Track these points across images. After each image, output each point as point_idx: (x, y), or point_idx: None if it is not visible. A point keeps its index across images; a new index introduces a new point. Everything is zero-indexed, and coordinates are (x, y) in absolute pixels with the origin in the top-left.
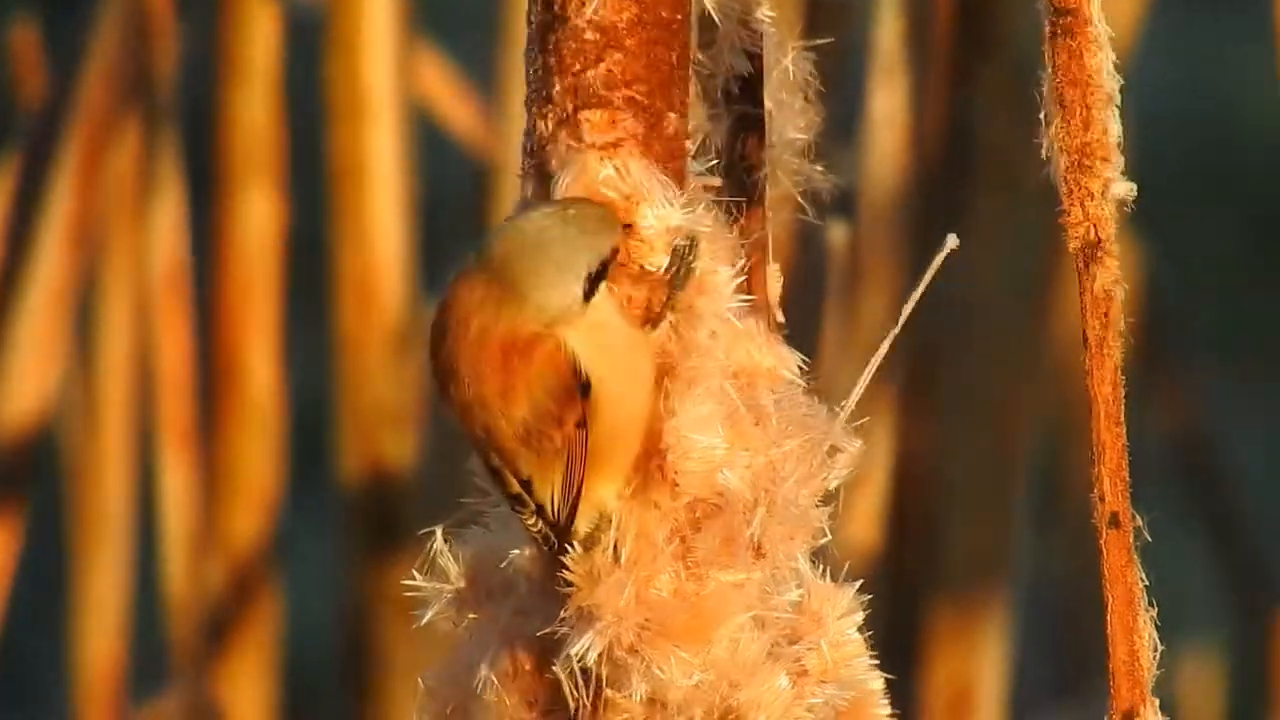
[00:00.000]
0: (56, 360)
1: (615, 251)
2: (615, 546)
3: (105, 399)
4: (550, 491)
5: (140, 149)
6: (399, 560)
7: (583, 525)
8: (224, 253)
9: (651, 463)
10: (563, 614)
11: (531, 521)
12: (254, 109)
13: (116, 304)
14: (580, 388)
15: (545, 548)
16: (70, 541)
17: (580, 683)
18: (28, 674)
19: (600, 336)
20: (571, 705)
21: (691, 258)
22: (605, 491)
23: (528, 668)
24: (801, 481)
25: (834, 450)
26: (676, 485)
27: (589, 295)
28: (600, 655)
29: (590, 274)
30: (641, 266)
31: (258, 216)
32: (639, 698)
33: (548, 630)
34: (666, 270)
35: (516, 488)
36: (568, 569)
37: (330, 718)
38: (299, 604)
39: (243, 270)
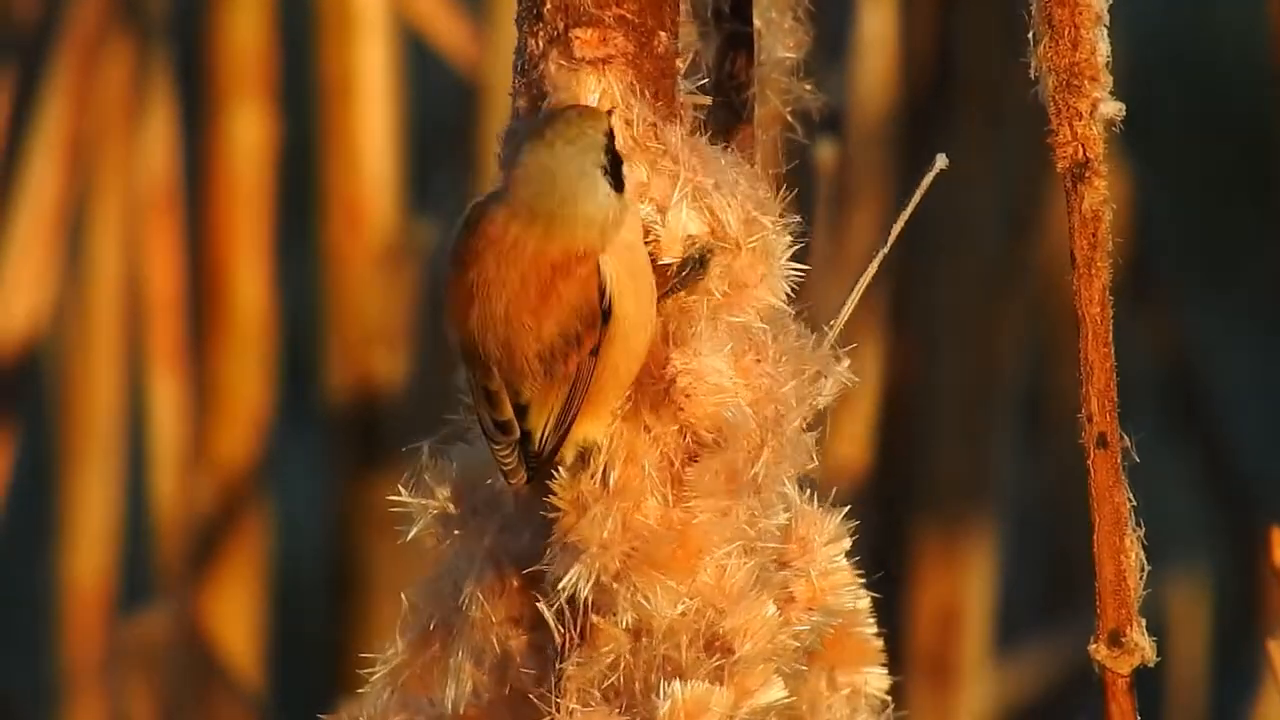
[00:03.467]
0: (48, 278)
1: (610, 135)
2: (604, 471)
3: (95, 316)
4: (545, 418)
5: (131, 67)
6: (387, 477)
7: (569, 453)
8: (214, 171)
9: (648, 388)
10: (549, 539)
11: (506, 453)
12: (244, 27)
13: (107, 222)
14: (603, 313)
15: (514, 477)
16: (60, 458)
17: (566, 612)
18: (16, 589)
19: (629, 259)
20: (557, 638)
21: (700, 271)
22: (595, 424)
23: (514, 584)
24: (794, 411)
25: (821, 374)
26: (681, 410)
27: (618, 187)
28: (586, 583)
29: (604, 166)
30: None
31: (248, 135)
32: (625, 625)
33: (536, 549)
34: (676, 271)
35: (508, 413)
36: (554, 494)
37: (318, 634)
38: (287, 521)
39: (232, 188)
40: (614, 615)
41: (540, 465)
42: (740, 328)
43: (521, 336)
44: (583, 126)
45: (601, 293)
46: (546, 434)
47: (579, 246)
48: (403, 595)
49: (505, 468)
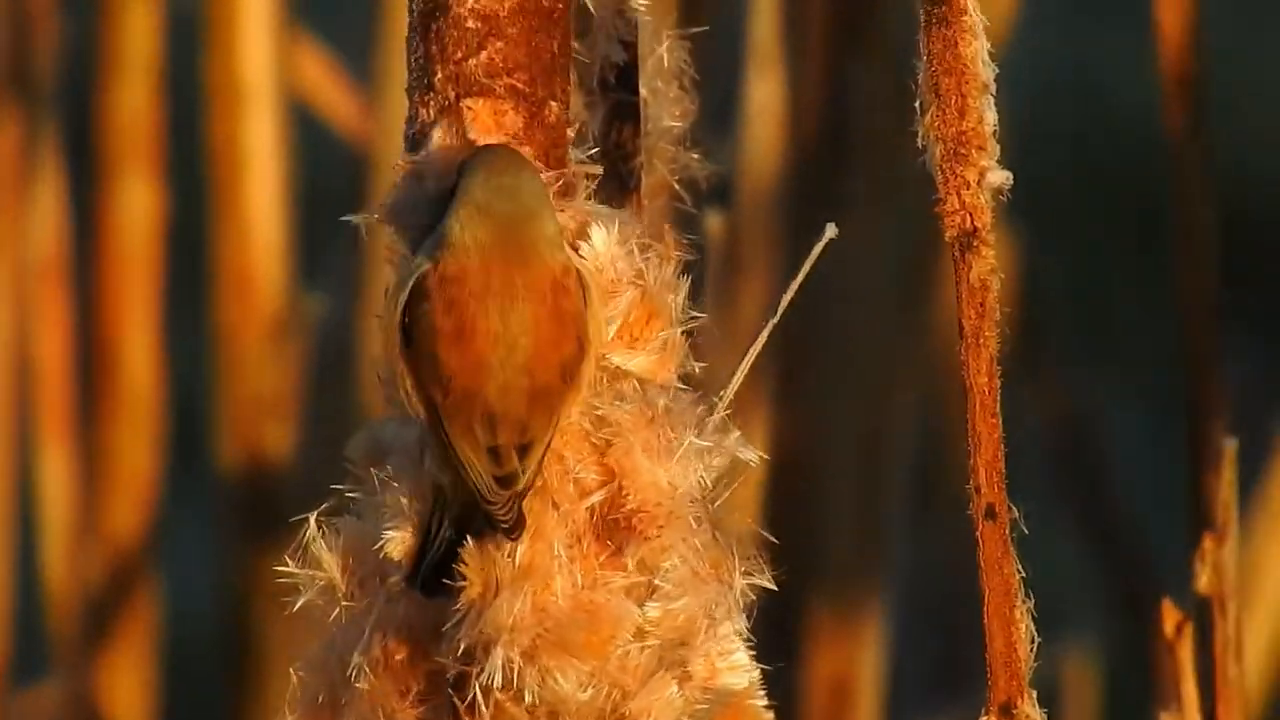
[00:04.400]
0: None
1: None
2: (512, 546)
3: None
4: (541, 449)
5: (20, 137)
6: (278, 550)
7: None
8: (104, 241)
9: (554, 465)
10: (455, 607)
11: (505, 509)
12: (133, 98)
13: None
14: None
15: (516, 531)
16: None
17: (472, 691)
18: None
19: (577, 259)
20: (460, 713)
21: None
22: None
23: (400, 657)
24: (690, 483)
25: (717, 432)
26: (581, 486)
27: None
28: (495, 667)
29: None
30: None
31: (137, 205)
32: (531, 704)
33: (426, 620)
34: None
35: (514, 463)
36: (463, 562)
37: (210, 707)
38: (178, 594)
39: (122, 259)
40: (519, 695)
41: (522, 499)
42: (646, 405)
43: (544, 377)
44: (511, 157)
45: (584, 297)
46: (534, 467)
47: (560, 261)
48: (291, 670)
49: (505, 523)
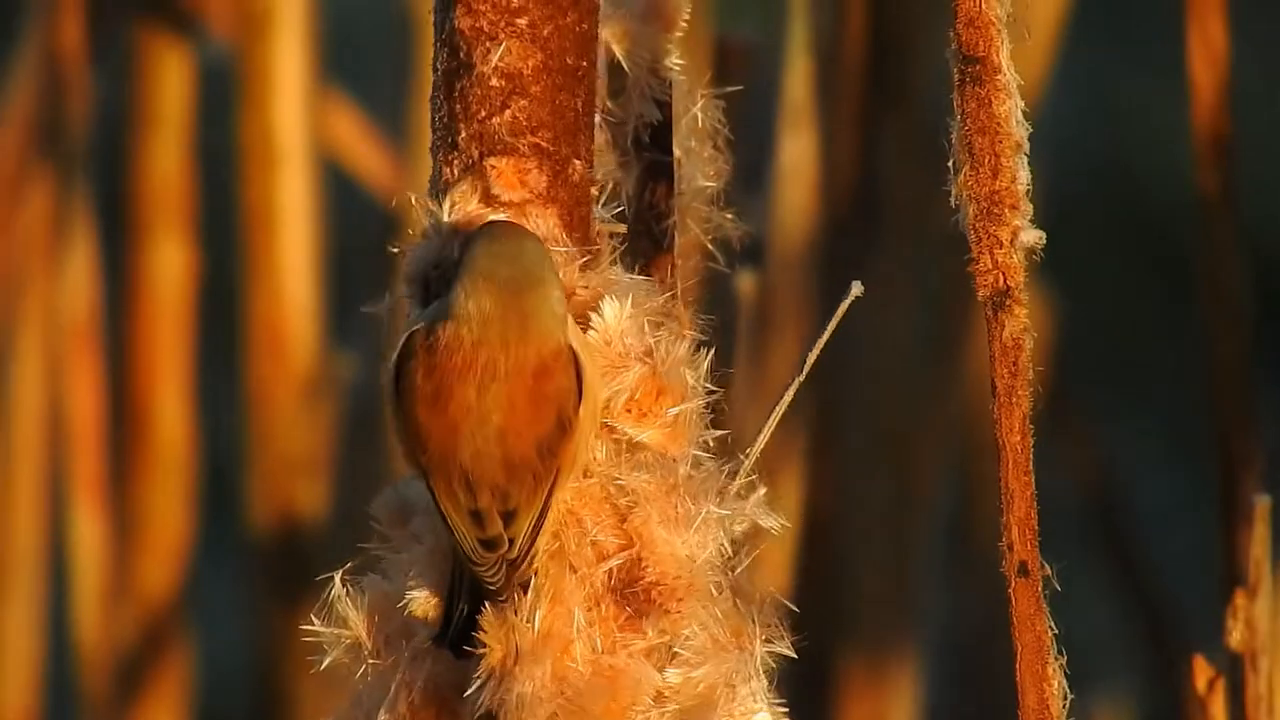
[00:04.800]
0: None
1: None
2: (531, 610)
3: (16, 447)
4: (528, 519)
5: (53, 197)
6: (309, 607)
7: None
8: (136, 301)
9: (572, 528)
10: (476, 674)
11: (492, 571)
12: (166, 157)
13: (28, 352)
14: (578, 395)
15: (503, 593)
16: None
17: None
18: None
19: (580, 339)
20: None
21: None
22: (555, 514)
23: (426, 715)
24: (710, 551)
25: (739, 499)
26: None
27: None
28: None
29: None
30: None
31: (169, 265)
32: None
33: (451, 679)
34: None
35: (498, 527)
36: (481, 629)
37: None
38: (210, 652)
39: (154, 319)
40: None
41: (519, 566)
42: (666, 473)
43: (520, 450)
44: (517, 230)
45: (578, 374)
46: (525, 536)
47: (551, 344)
48: None
49: (492, 585)
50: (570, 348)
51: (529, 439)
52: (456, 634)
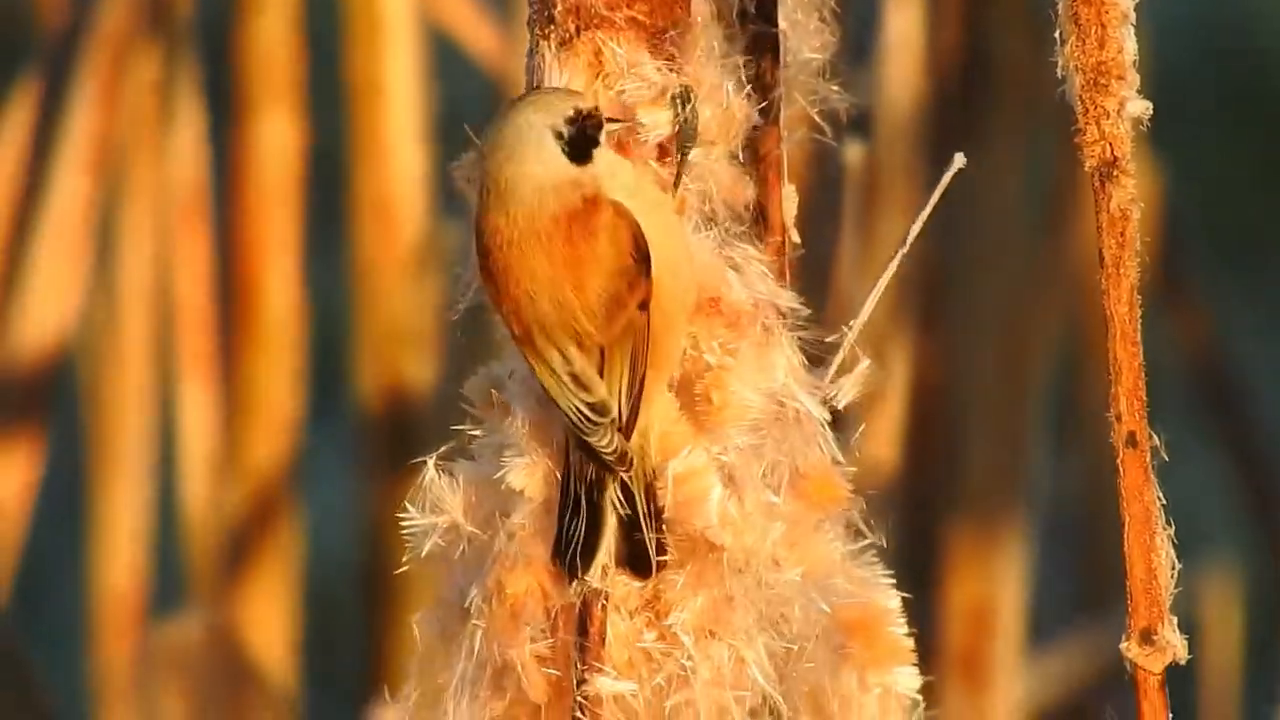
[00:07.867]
0: (76, 284)
1: (586, 113)
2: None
3: (125, 322)
4: (618, 387)
5: (159, 72)
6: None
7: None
8: (243, 176)
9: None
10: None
11: (605, 440)
12: (272, 31)
13: (136, 228)
14: (642, 262)
15: (621, 465)
16: (90, 465)
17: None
18: (50, 595)
19: (639, 203)
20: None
21: (690, 109)
22: (657, 391)
23: (517, 591)
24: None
25: (842, 370)
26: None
27: (577, 157)
28: None
29: (560, 133)
30: (636, 134)
31: (276, 139)
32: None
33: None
34: (672, 125)
35: (601, 391)
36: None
37: (350, 637)
38: (318, 526)
39: (262, 193)
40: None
41: (626, 432)
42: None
43: (574, 312)
44: (548, 98)
45: (635, 239)
46: (622, 405)
47: (577, 199)
48: (412, 622)
49: (609, 457)
50: (615, 211)
51: (590, 285)
52: (573, 555)
